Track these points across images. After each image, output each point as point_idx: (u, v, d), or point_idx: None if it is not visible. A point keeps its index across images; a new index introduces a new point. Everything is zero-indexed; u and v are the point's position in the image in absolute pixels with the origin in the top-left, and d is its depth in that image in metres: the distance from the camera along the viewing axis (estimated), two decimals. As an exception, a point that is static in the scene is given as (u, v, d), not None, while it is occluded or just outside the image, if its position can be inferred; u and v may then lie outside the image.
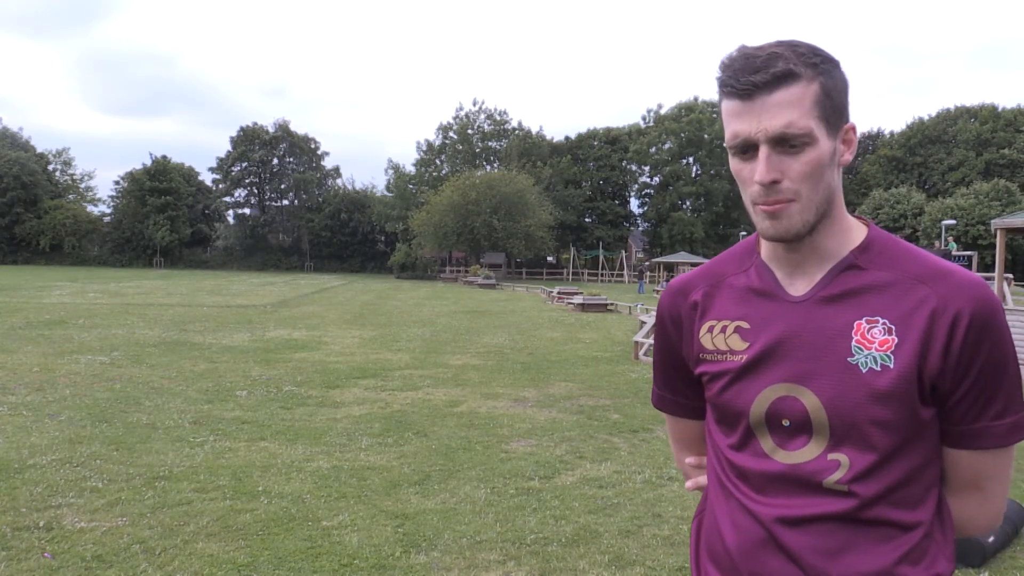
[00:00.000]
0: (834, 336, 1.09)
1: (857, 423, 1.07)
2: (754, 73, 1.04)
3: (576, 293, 26.25)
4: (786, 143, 1.05)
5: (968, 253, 27.39)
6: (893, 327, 1.07)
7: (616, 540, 4.07)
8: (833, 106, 1.07)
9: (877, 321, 1.08)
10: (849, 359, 1.08)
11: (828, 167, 1.08)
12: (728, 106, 1.08)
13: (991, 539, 3.88)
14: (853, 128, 1.11)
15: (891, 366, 1.06)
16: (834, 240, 1.13)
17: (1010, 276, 13.43)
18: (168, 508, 4.39)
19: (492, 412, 7.43)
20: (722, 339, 1.18)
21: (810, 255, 1.13)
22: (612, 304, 23.44)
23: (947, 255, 23.55)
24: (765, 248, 1.19)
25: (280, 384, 8.71)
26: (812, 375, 1.09)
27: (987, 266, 27.66)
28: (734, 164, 1.11)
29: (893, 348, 1.06)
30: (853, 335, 1.08)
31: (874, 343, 1.07)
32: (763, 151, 1.06)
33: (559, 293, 27.77)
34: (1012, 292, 13.06)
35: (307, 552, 3.80)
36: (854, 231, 1.15)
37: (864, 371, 1.06)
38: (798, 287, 1.14)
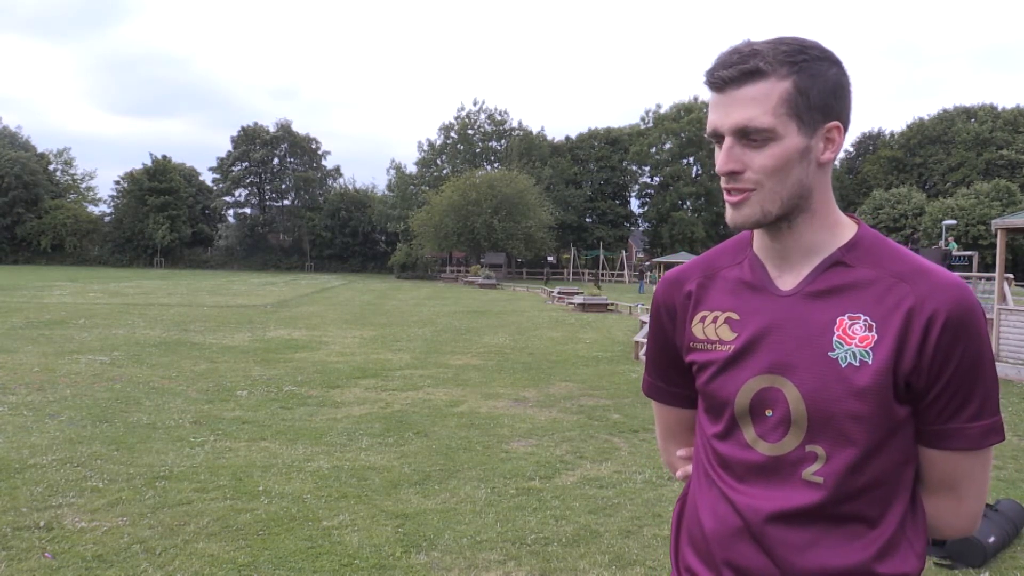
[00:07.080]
0: (817, 330, 1.11)
1: (834, 416, 1.08)
2: (725, 68, 1.09)
3: (576, 293, 26.25)
4: (747, 136, 1.09)
5: (968, 253, 27.34)
6: (874, 324, 1.09)
7: (616, 540, 4.07)
8: (809, 104, 1.08)
9: (859, 317, 1.10)
10: (830, 353, 1.10)
11: (797, 163, 1.10)
12: (710, 98, 1.14)
13: (992, 539, 3.88)
14: (837, 127, 1.11)
15: (869, 362, 1.07)
16: (819, 235, 1.15)
17: (1010, 276, 13.38)
18: (168, 508, 4.39)
19: (492, 412, 7.44)
20: (712, 329, 1.21)
21: (793, 248, 1.16)
22: (612, 304, 23.44)
23: (947, 255, 23.51)
24: (757, 241, 1.22)
25: (280, 384, 8.71)
26: (794, 367, 1.12)
27: (987, 266, 27.64)
28: (716, 153, 1.15)
29: (872, 344, 1.08)
30: (835, 330, 1.10)
31: (855, 339, 1.09)
32: (726, 142, 1.11)
33: (559, 293, 27.77)
34: (1012, 292, 13.01)
35: (307, 552, 3.80)
36: (842, 228, 1.17)
37: (843, 365, 1.08)
38: (786, 281, 1.17)
